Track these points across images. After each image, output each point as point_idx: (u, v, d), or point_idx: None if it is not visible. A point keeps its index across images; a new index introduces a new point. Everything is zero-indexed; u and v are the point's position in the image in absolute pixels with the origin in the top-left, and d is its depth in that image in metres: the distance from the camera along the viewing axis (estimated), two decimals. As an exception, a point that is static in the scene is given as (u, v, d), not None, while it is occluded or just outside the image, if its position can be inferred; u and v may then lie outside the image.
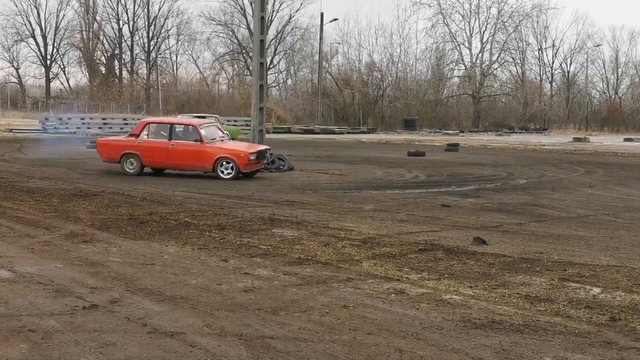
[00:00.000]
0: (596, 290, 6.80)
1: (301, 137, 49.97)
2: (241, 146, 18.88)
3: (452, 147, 33.39)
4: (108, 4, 78.34)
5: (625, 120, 75.82)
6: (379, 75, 76.66)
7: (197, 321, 5.59)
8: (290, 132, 55.11)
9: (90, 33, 79.41)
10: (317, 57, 73.06)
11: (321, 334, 5.32)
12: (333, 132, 56.14)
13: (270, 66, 75.41)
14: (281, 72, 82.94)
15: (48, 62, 79.07)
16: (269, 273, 7.35)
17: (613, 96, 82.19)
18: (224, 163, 17.80)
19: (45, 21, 78.22)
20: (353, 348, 5.02)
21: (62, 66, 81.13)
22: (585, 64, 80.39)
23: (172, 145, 17.95)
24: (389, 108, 75.55)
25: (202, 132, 18.03)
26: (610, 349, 5.09)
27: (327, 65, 76.02)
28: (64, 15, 79.77)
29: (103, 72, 79.68)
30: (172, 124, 18.60)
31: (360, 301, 6.28)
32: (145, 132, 18.36)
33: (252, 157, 17.98)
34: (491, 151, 33.62)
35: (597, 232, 10.51)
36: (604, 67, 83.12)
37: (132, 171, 18.12)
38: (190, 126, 18.34)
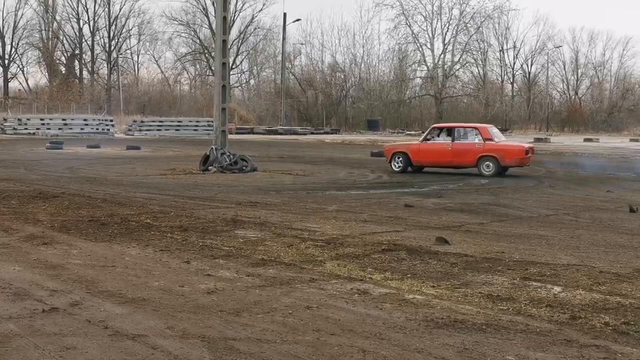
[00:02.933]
0: (557, 289, 6.87)
1: (264, 137, 49.89)
2: None
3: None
4: (68, 3, 77.63)
5: (585, 120, 76.98)
6: (342, 76, 76.99)
7: (159, 323, 5.53)
8: (253, 133, 55.00)
9: (50, 32, 78.52)
10: (280, 58, 73.19)
11: (284, 335, 5.30)
12: (296, 133, 56.13)
13: (233, 66, 75.21)
14: (244, 72, 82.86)
15: (6, 61, 77.90)
16: (231, 274, 7.30)
17: (573, 97, 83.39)
18: None
19: (3, 20, 77.23)
20: (316, 349, 5.00)
21: (20, 66, 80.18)
22: (546, 65, 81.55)
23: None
24: (352, 109, 75.88)
25: None
26: (570, 347, 5.14)
27: (290, 66, 76.11)
28: (22, 14, 78.67)
29: (63, 72, 78.75)
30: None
31: (324, 302, 6.26)
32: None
33: None
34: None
35: (558, 231, 10.62)
36: (564, 68, 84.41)
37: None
38: None
